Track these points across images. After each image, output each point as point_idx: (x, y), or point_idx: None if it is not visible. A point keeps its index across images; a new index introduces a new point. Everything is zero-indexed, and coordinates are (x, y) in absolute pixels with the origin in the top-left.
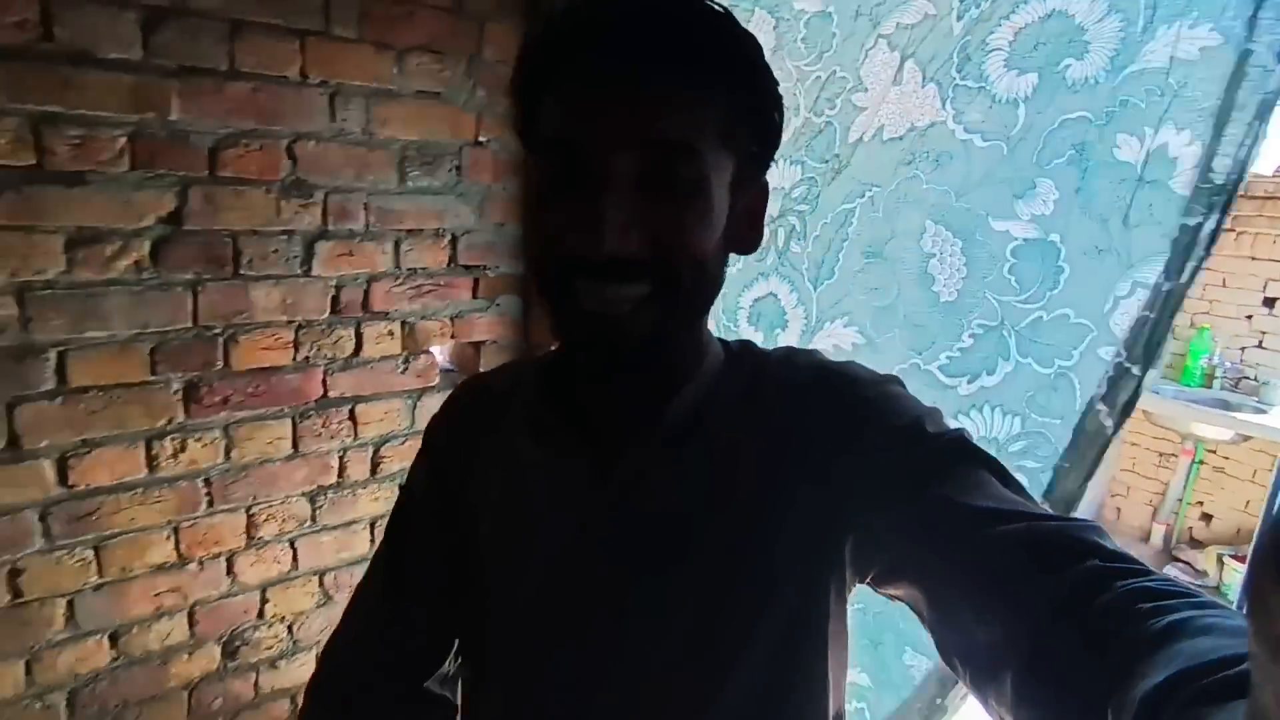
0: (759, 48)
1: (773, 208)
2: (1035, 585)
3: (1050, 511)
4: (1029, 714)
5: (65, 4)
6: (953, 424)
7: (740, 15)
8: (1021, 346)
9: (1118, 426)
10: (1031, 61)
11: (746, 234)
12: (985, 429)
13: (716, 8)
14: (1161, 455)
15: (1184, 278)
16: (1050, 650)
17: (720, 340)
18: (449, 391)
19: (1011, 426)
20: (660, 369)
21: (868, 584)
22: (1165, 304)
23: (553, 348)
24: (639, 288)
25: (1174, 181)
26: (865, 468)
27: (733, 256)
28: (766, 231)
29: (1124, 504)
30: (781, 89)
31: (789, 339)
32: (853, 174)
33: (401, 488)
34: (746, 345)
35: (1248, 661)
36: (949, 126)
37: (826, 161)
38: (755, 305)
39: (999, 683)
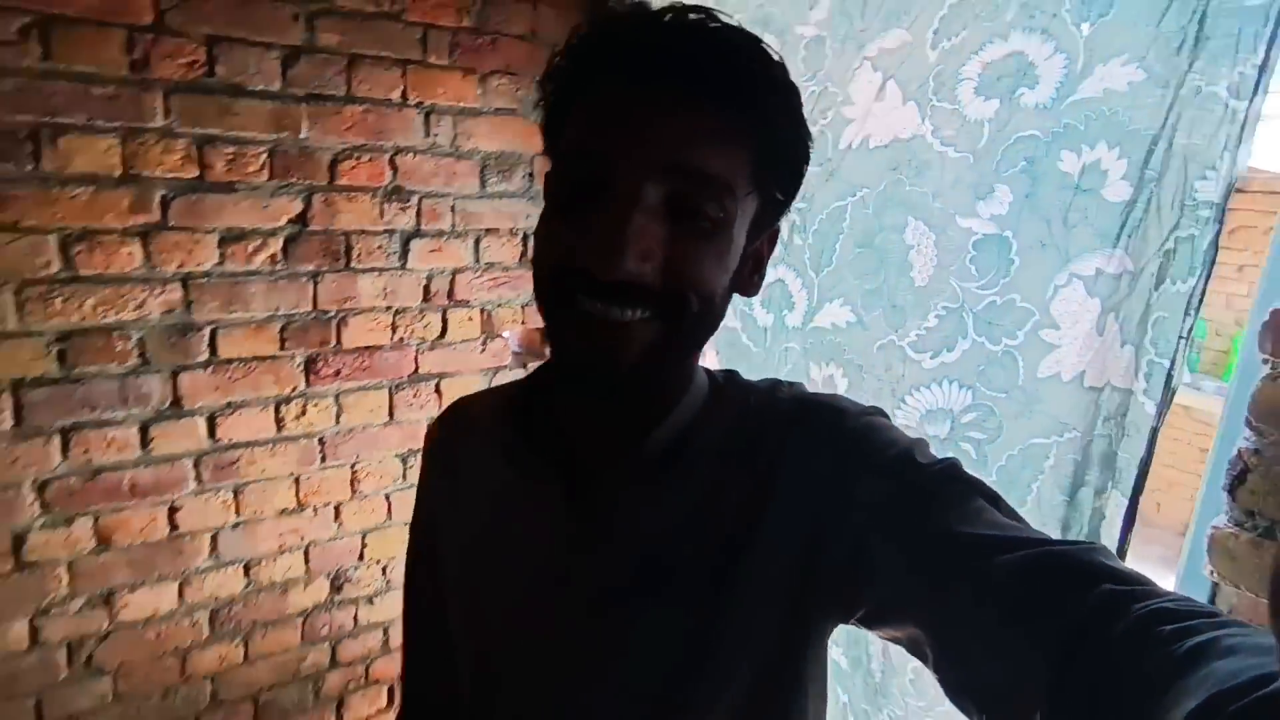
0: (800, 99)
1: None
2: (1049, 615)
3: (1050, 536)
4: None
5: (225, 47)
6: (941, 455)
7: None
8: (977, 326)
9: (1159, 416)
10: (994, 89)
11: (750, 277)
12: (944, 401)
13: (773, 53)
14: (1202, 450)
15: (1198, 281)
16: (1074, 683)
17: (705, 370)
18: (519, 370)
19: (965, 399)
20: (646, 397)
21: (855, 623)
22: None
23: (530, 371)
24: (642, 312)
25: (1105, 190)
26: (854, 500)
27: None
28: None
29: (1164, 498)
30: None
31: (794, 319)
32: (844, 176)
33: None
34: (731, 376)
35: (1278, 680)
36: (928, 140)
37: (820, 165)
38: (767, 289)
39: None
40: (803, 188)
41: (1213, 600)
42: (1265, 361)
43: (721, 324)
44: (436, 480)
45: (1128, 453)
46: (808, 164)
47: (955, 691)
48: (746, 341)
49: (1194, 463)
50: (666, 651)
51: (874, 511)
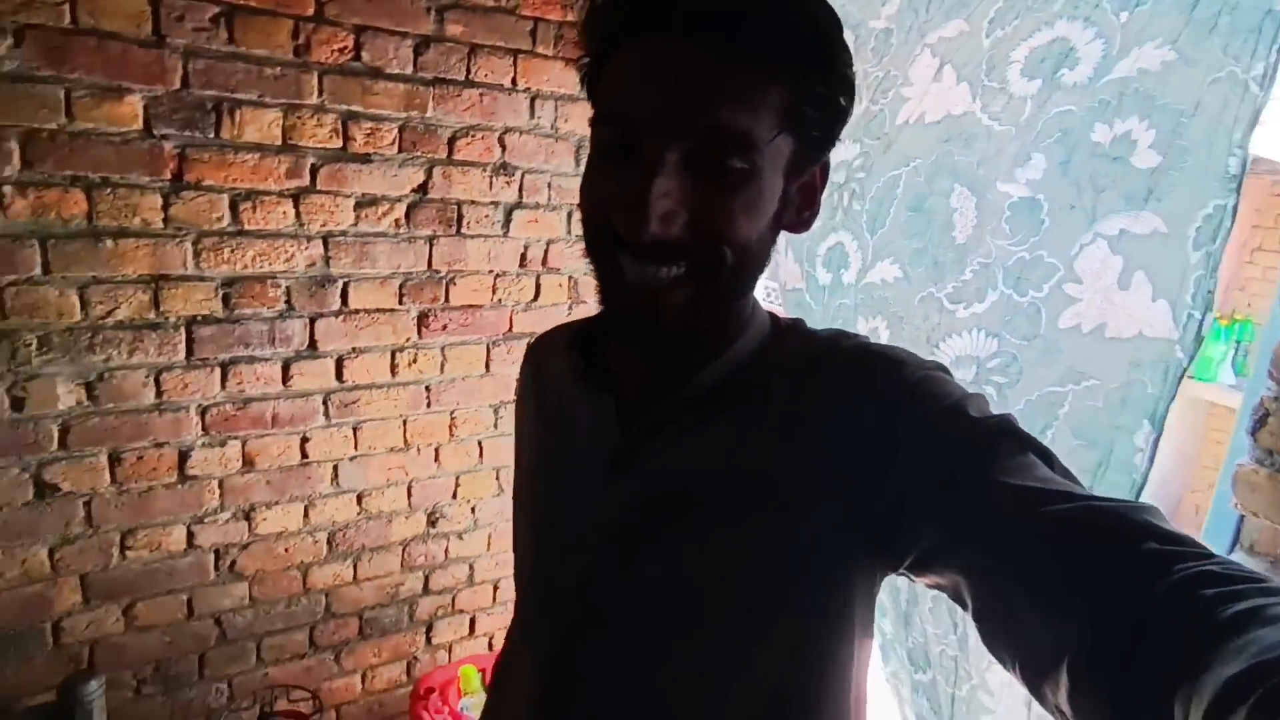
0: (838, 26)
1: (837, 177)
2: (1091, 571)
3: (1099, 494)
4: (1088, 706)
5: (369, 35)
6: (996, 410)
7: None
8: (1006, 280)
9: (1190, 359)
10: (1039, 71)
11: (799, 214)
12: (972, 348)
13: None
14: None
15: (1216, 243)
16: (1110, 639)
17: (772, 315)
18: None
19: (991, 346)
20: (689, 345)
21: (903, 572)
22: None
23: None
24: (678, 268)
25: (1134, 158)
26: (903, 451)
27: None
28: (835, 195)
29: (1203, 500)
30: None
31: (849, 276)
32: (900, 149)
33: None
34: (795, 325)
35: None
36: (977, 115)
37: (878, 139)
38: (828, 252)
39: (1054, 674)
40: (863, 159)
41: (1238, 533)
42: None
43: (788, 286)
44: (523, 391)
45: (1165, 394)
46: (851, 96)
47: (993, 641)
48: (809, 300)
49: None
50: (695, 591)
51: (923, 462)
